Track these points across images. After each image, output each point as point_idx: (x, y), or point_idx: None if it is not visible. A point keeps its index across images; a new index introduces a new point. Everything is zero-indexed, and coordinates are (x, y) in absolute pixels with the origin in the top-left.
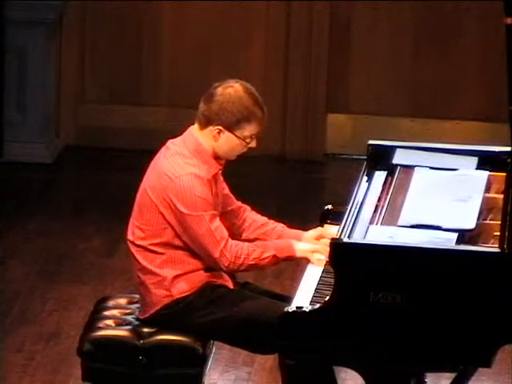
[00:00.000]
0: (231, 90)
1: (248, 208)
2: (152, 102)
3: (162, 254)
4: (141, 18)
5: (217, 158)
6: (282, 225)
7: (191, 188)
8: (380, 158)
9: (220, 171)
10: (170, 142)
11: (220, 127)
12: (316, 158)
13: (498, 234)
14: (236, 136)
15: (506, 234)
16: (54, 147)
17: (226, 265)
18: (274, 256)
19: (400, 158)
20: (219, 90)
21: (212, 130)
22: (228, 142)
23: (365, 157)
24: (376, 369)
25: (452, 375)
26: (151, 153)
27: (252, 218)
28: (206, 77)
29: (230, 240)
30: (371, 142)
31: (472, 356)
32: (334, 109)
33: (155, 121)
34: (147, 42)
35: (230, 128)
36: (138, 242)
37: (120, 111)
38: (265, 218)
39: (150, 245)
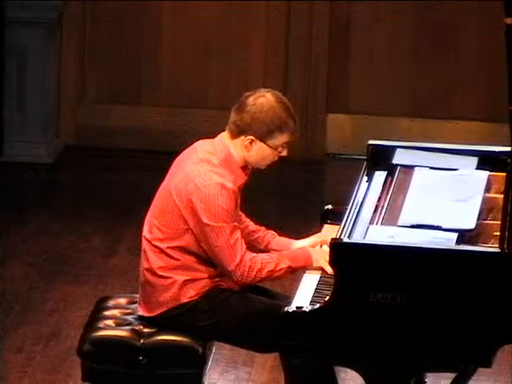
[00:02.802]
0: (263, 99)
1: (243, 214)
2: (152, 102)
3: (177, 259)
4: (141, 18)
5: (244, 167)
6: (273, 232)
7: (216, 198)
8: (380, 158)
9: (245, 182)
10: (198, 145)
11: (252, 137)
12: (316, 157)
13: (498, 234)
14: (268, 146)
15: (506, 234)
16: (54, 147)
17: (240, 278)
18: (289, 267)
19: (400, 157)
20: (251, 100)
21: (244, 139)
22: (260, 152)
23: (365, 157)
24: (376, 369)
25: (452, 375)
26: (151, 153)
27: (245, 224)
28: (205, 77)
29: (246, 254)
30: (371, 142)
31: (472, 356)
32: (334, 109)
33: (155, 121)
34: (147, 42)
35: (263, 138)
36: (155, 243)
37: (120, 111)
38: (256, 226)
39: (167, 248)
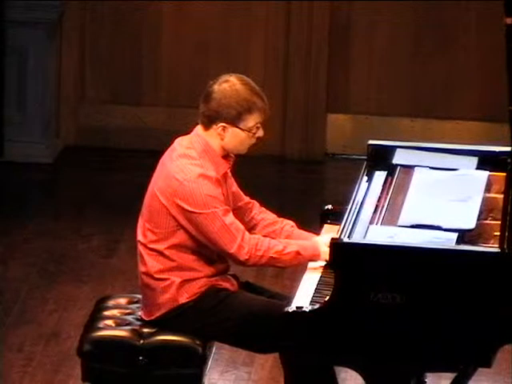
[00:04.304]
0: (226, 84)
1: (257, 204)
2: (152, 101)
3: (173, 260)
4: (141, 18)
5: (225, 156)
6: (292, 224)
7: (200, 189)
8: (380, 158)
9: (229, 170)
10: (176, 143)
11: (223, 124)
12: (316, 157)
13: (498, 234)
14: (241, 129)
15: (506, 234)
16: (54, 147)
17: (247, 257)
18: (297, 253)
19: (400, 157)
20: (215, 88)
21: (216, 128)
22: (235, 137)
23: (365, 157)
24: (376, 369)
25: (452, 375)
26: (151, 153)
27: (261, 216)
28: (205, 77)
29: (246, 233)
30: (371, 141)
31: (472, 356)
32: (334, 109)
33: (155, 121)
34: (147, 42)
35: (233, 122)
36: (151, 246)
37: (120, 111)
38: (274, 216)
39: (164, 249)
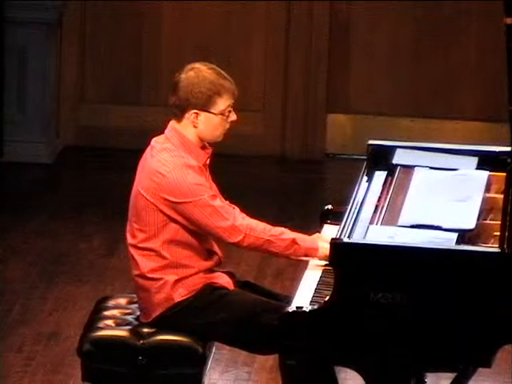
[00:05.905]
0: (192, 72)
1: (237, 209)
2: (152, 102)
3: (165, 258)
4: (141, 18)
5: (203, 148)
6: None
7: (185, 178)
8: (380, 158)
9: (208, 160)
10: (154, 141)
11: (195, 110)
12: (316, 157)
13: (498, 234)
14: (213, 113)
15: (506, 234)
16: (54, 147)
17: (241, 238)
18: (294, 241)
19: (400, 158)
20: (181, 77)
21: (188, 116)
22: (208, 123)
23: (365, 157)
24: (376, 369)
25: (452, 375)
26: None
27: None
28: None
29: (238, 214)
30: (371, 141)
31: (472, 356)
32: (334, 109)
33: (155, 121)
34: (147, 42)
35: (205, 107)
36: (142, 245)
37: (120, 111)
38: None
39: (155, 246)
